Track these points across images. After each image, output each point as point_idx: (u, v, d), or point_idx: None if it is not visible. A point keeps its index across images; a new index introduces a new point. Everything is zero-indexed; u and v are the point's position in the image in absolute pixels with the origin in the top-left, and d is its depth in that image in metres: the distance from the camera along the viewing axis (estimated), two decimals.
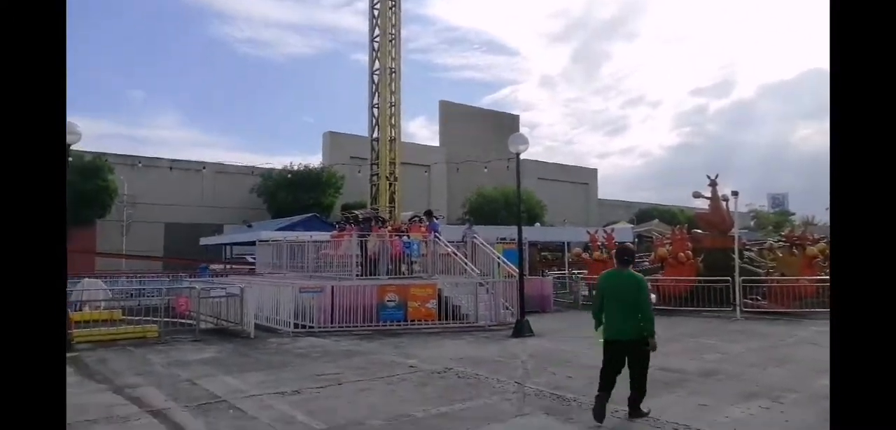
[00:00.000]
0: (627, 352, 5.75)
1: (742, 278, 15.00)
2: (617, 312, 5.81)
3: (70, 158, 11.56)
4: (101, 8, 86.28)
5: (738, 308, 14.65)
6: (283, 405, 6.41)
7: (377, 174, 18.11)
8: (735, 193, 15.01)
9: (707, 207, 19.07)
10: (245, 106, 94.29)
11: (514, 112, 75.74)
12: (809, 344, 10.55)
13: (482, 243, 15.44)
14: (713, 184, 18.80)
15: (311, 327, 12.66)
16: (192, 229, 41.72)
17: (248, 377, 7.96)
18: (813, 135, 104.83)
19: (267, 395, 6.89)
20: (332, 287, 12.99)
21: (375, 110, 18.65)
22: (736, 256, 15.14)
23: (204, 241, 35.64)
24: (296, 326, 12.58)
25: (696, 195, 19.28)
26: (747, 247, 20.88)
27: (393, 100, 18.52)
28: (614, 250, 19.41)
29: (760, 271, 17.55)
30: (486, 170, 38.81)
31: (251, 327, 12.12)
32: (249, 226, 32.44)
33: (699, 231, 19.54)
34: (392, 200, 17.90)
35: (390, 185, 17.90)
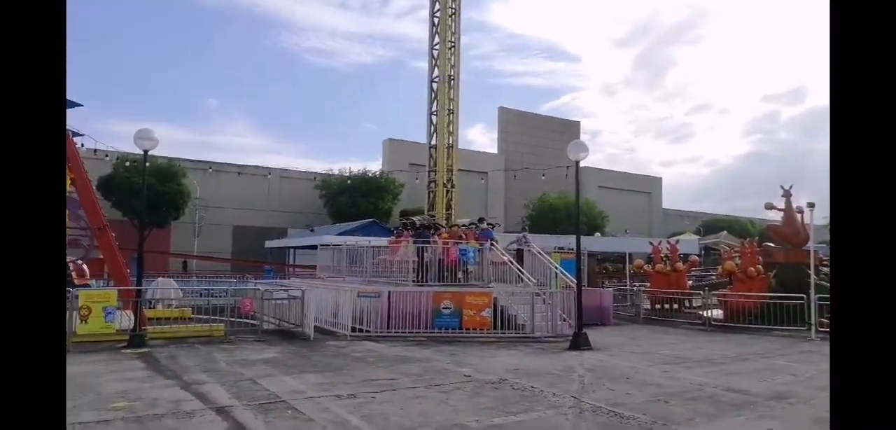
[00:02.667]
0: None
1: (818, 295, 14.10)
2: None
3: (148, 164, 12.26)
4: (177, 21, 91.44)
5: (813, 328, 13.79)
6: (339, 408, 6.53)
7: (434, 181, 18.24)
8: (811, 205, 14.14)
9: (780, 219, 18.10)
10: (311, 114, 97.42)
11: (575, 119, 74.56)
12: None
13: (539, 252, 15.25)
14: (787, 194, 17.85)
15: (368, 331, 12.88)
16: (259, 232, 43.51)
17: (306, 379, 8.17)
18: None
19: (324, 397, 7.04)
20: (390, 293, 13.16)
21: (434, 117, 18.82)
22: (811, 271, 14.25)
23: (269, 243, 36.99)
24: (353, 329, 12.83)
25: (769, 207, 18.36)
26: (824, 263, 19.63)
27: (451, 107, 18.62)
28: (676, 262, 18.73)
29: None
30: (543, 177, 38.30)
31: (311, 329, 12.45)
32: (311, 230, 33.44)
33: (771, 244, 18.56)
34: (449, 207, 17.97)
35: (447, 191, 17.98)
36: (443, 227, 16.61)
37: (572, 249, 16.81)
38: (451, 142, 18.12)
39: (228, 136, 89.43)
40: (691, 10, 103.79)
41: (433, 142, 18.22)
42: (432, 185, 18.40)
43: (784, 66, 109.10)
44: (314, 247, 23.78)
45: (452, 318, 12.83)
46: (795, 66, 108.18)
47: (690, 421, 6.30)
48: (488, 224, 16.40)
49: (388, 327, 12.86)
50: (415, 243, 14.57)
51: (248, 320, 13.52)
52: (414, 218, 17.30)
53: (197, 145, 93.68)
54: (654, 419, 6.32)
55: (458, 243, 14.67)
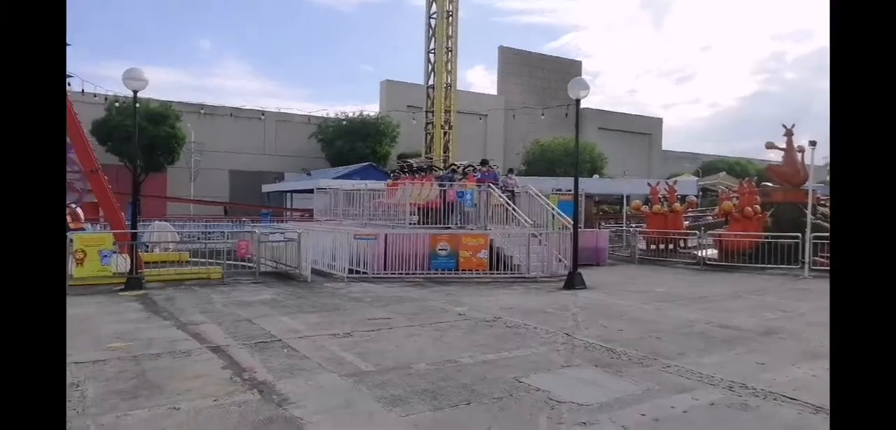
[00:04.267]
0: None
1: (813, 234, 14.15)
2: None
3: (137, 105, 12.04)
4: None
5: (806, 266, 13.89)
6: (335, 346, 6.60)
7: (432, 123, 17.99)
8: (813, 144, 14.01)
9: (781, 158, 17.99)
10: (310, 56, 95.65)
11: (577, 59, 73.12)
12: None
13: (537, 194, 15.21)
14: (789, 133, 17.68)
15: (364, 273, 12.95)
16: (255, 177, 43.29)
17: (303, 318, 8.24)
18: None
19: (320, 336, 7.11)
20: (386, 235, 13.18)
21: (431, 56, 18.40)
22: (808, 210, 14.25)
23: (266, 188, 36.91)
24: (351, 271, 12.90)
25: (770, 146, 18.23)
26: (822, 202, 19.64)
27: (449, 45, 18.20)
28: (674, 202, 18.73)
29: None
30: (543, 116, 37.87)
31: (308, 271, 12.51)
32: (308, 174, 33.30)
33: (769, 185, 18.52)
34: (446, 149, 17.78)
35: (445, 133, 17.76)
36: (440, 169, 16.49)
37: (570, 190, 16.79)
38: (449, 82, 17.78)
39: (223, 78, 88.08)
40: None
41: (431, 82, 17.85)
42: (430, 126, 18.16)
43: (791, 4, 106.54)
44: (311, 191, 23.75)
45: (449, 259, 12.89)
46: (803, 4, 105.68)
47: (681, 355, 6.38)
48: (493, 165, 16.17)
49: (385, 269, 12.93)
50: (439, 184, 14.43)
51: (245, 264, 13.59)
52: (411, 160, 17.13)
53: (190, 89, 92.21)
54: (646, 354, 6.40)
55: (450, 183, 14.56)
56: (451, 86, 17.51)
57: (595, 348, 6.67)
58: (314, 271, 13.51)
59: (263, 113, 49.32)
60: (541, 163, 41.83)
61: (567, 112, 19.53)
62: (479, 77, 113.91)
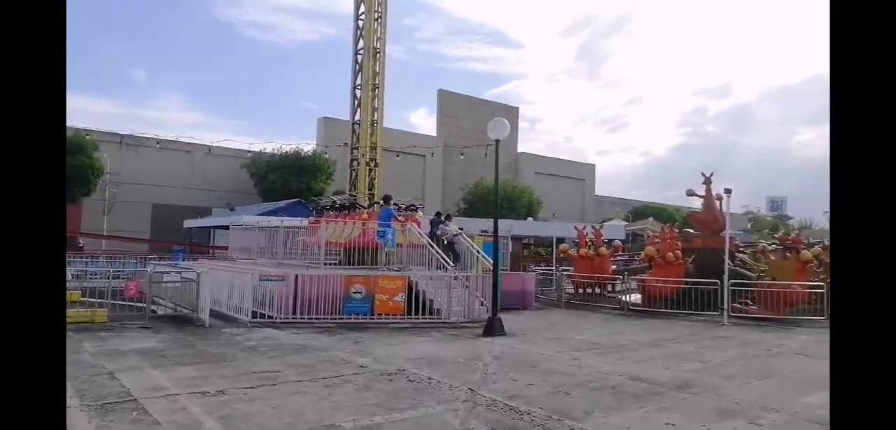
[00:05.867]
0: None
1: (732, 281, 14.29)
2: None
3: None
4: None
5: (726, 313, 13.95)
6: (197, 407, 5.68)
7: (358, 159, 17.33)
8: (728, 191, 14.26)
9: (700, 205, 18.37)
10: (249, 91, 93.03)
11: (515, 105, 74.72)
12: (797, 355, 9.84)
13: (460, 233, 14.74)
14: (707, 181, 18.10)
15: (272, 318, 11.96)
16: (181, 211, 41.03)
17: (178, 372, 7.24)
18: (813, 140, 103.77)
19: (187, 394, 6.17)
20: (297, 276, 12.26)
21: (358, 91, 17.84)
22: (726, 258, 14.41)
23: (188, 223, 34.93)
24: (259, 315, 11.89)
25: (690, 194, 18.60)
26: (741, 249, 20.17)
27: (376, 81, 17.72)
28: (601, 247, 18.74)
29: (752, 274, 16.85)
30: (486, 156, 37.83)
31: (206, 315, 11.41)
32: (232, 209, 31.70)
33: (691, 231, 18.84)
34: (372, 187, 17.11)
35: (370, 170, 17.11)
36: (363, 207, 15.78)
37: (486, 231, 16.43)
38: (375, 118, 17.20)
39: (158, 111, 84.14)
40: (630, 3, 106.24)
41: (357, 117, 17.23)
42: (355, 163, 17.46)
43: (713, 62, 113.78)
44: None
45: (364, 303, 12.09)
46: (724, 62, 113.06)
47: (588, 415, 5.86)
48: (397, 205, 15.41)
49: (294, 313, 11.99)
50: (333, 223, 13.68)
51: (141, 305, 12.31)
52: (334, 197, 16.36)
53: (122, 119, 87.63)
54: (551, 413, 5.85)
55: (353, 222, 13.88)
56: (376, 122, 16.92)
57: (497, 407, 6.05)
58: (217, 315, 12.42)
59: (192, 146, 47.30)
60: (481, 205, 41.78)
61: (486, 153, 19.33)
62: (422, 119, 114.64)
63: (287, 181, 39.86)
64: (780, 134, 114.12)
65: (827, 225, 48.01)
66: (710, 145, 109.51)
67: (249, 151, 43.05)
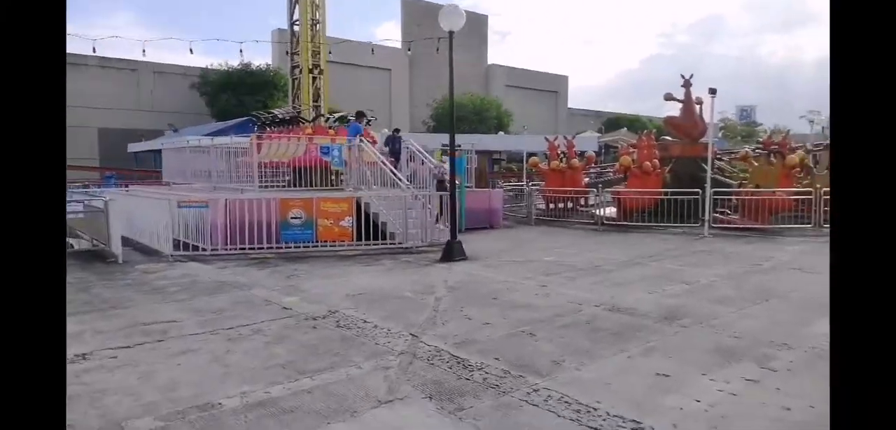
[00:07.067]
0: None
1: (713, 190, 13.15)
2: None
3: None
4: None
5: (706, 224, 12.88)
6: None
7: (300, 67, 15.29)
8: (713, 91, 12.84)
9: (679, 111, 17.02)
10: (208, 5, 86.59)
11: (484, 14, 71.13)
12: (792, 269, 8.77)
13: (419, 150, 13.16)
14: (687, 84, 16.67)
15: (202, 249, 10.43)
16: (130, 136, 38.27)
17: None
18: (780, 49, 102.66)
19: None
20: (227, 201, 10.64)
21: None
22: (708, 165, 13.21)
23: (132, 147, 32.50)
24: (185, 246, 10.34)
25: (668, 98, 17.17)
26: (718, 156, 19.09)
27: None
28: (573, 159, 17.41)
29: (733, 182, 15.79)
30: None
31: (118, 249, 9.80)
32: (175, 130, 29.38)
33: (668, 138, 17.58)
34: (317, 98, 15.20)
35: (314, 79, 15.14)
36: (307, 121, 13.99)
37: (459, 146, 14.92)
38: (316, 17, 15.04)
39: (108, 29, 78.01)
40: None
41: (295, 17, 15.03)
42: (297, 70, 15.43)
43: None
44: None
45: (304, 230, 10.58)
46: None
47: (557, 366, 4.58)
48: (364, 118, 13.80)
49: (228, 244, 10.46)
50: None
51: None
52: (274, 111, 14.47)
53: (74, 40, 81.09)
54: (509, 366, 4.56)
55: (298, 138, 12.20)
56: (318, 23, 14.80)
57: (441, 360, 4.73)
58: (141, 249, 10.86)
59: (137, 65, 43.76)
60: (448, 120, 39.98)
61: (438, 47, 17.57)
62: (389, 32, 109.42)
63: (241, 101, 37.30)
64: (749, 42, 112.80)
65: (805, 131, 47.50)
66: (682, 55, 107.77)
67: (195, 68, 40.02)
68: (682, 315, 6.11)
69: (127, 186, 18.13)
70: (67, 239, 11.24)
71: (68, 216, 10.26)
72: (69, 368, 4.53)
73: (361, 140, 12.33)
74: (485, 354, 4.85)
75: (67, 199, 12.76)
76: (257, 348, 5.08)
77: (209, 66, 41.77)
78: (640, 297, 6.97)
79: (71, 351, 4.86)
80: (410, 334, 5.45)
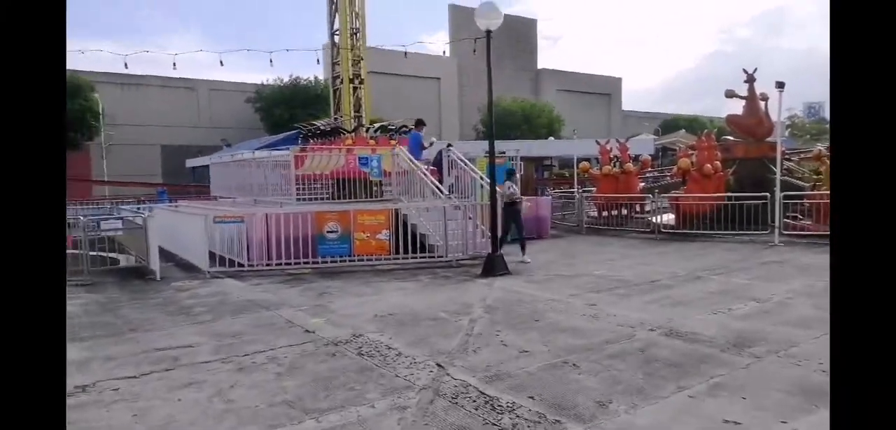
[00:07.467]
0: None
1: (783, 193, 11.96)
2: None
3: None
4: None
5: (777, 231, 11.72)
6: None
7: (340, 78, 15.07)
8: (780, 85, 11.68)
9: (741, 108, 15.77)
10: (265, 22, 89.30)
11: (533, 18, 70.10)
12: None
13: (460, 158, 12.60)
14: (750, 79, 15.45)
15: (239, 264, 10.22)
16: (190, 152, 39.63)
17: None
18: None
19: None
20: (264, 215, 10.41)
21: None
22: (777, 166, 12.04)
23: (190, 163, 33.46)
24: (224, 261, 10.16)
25: (730, 95, 15.95)
26: (787, 156, 17.62)
27: None
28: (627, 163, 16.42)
29: (805, 184, 14.42)
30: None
31: (156, 265, 9.70)
32: (227, 145, 30.01)
33: (730, 138, 16.33)
34: (358, 108, 14.92)
35: (355, 89, 14.88)
36: (347, 131, 13.71)
37: (503, 153, 14.30)
38: (357, 26, 14.79)
39: (171, 50, 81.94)
40: None
41: (336, 27, 14.83)
42: (338, 80, 15.22)
43: None
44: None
45: (340, 244, 10.21)
46: None
47: (603, 408, 3.89)
48: (423, 126, 13.15)
49: (267, 259, 10.21)
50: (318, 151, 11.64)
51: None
52: (316, 123, 14.29)
53: (132, 61, 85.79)
54: (545, 408, 3.90)
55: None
56: (358, 30, 14.53)
57: (468, 398, 4.13)
58: (183, 265, 10.80)
59: (195, 83, 45.39)
60: (498, 127, 39.33)
61: (475, 49, 16.98)
62: (441, 41, 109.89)
63: (293, 114, 37.94)
64: (817, 33, 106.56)
65: None
66: (743, 51, 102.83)
67: (249, 84, 41.07)
68: (754, 342, 5.26)
69: (176, 202, 18.43)
70: (115, 255, 11.34)
71: (111, 233, 10.25)
72: (69, 399, 4.21)
73: (399, 149, 11.90)
74: (518, 391, 4.21)
75: (113, 215, 12.96)
76: (266, 380, 4.63)
77: (264, 82, 42.78)
78: (703, 318, 6.14)
79: (73, 382, 4.56)
80: (437, 363, 4.88)
